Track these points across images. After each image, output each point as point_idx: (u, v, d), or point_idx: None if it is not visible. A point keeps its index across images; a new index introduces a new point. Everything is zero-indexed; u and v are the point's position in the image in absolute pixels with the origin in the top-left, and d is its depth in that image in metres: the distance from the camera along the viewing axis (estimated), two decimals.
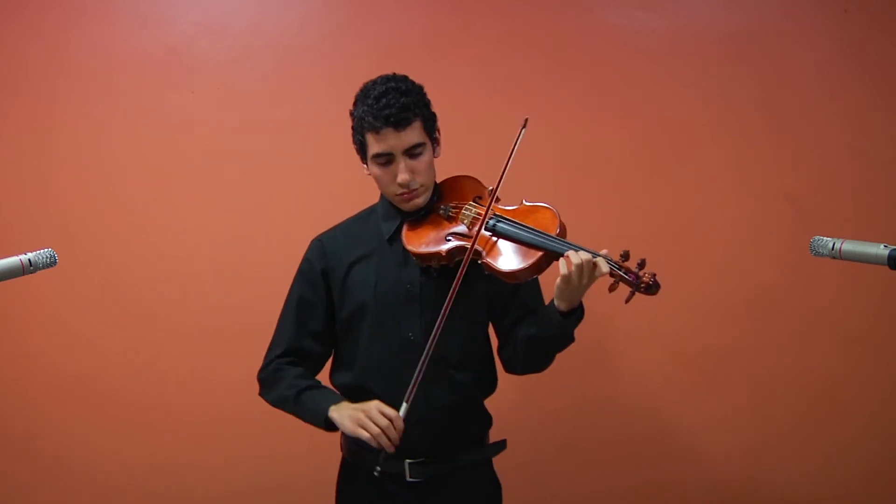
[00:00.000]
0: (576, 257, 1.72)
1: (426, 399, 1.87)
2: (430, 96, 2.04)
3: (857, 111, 2.83)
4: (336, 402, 1.89)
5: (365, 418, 1.78)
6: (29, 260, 1.57)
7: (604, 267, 1.72)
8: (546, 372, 2.21)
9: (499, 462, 2.15)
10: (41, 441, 2.83)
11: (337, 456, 2.12)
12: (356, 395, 1.94)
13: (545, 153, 2.80)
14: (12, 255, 1.56)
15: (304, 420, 1.96)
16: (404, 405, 1.78)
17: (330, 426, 1.88)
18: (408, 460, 1.92)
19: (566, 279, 1.73)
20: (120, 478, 2.83)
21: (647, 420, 2.87)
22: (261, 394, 2.07)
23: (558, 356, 2.01)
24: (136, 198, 2.83)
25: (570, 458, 2.85)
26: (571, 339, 1.90)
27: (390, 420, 1.76)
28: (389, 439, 1.76)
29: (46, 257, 1.60)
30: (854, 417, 2.84)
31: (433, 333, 1.78)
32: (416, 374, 1.77)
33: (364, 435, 1.77)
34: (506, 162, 1.89)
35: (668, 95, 2.85)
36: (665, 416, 2.88)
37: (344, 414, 1.84)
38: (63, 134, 2.82)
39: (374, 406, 1.80)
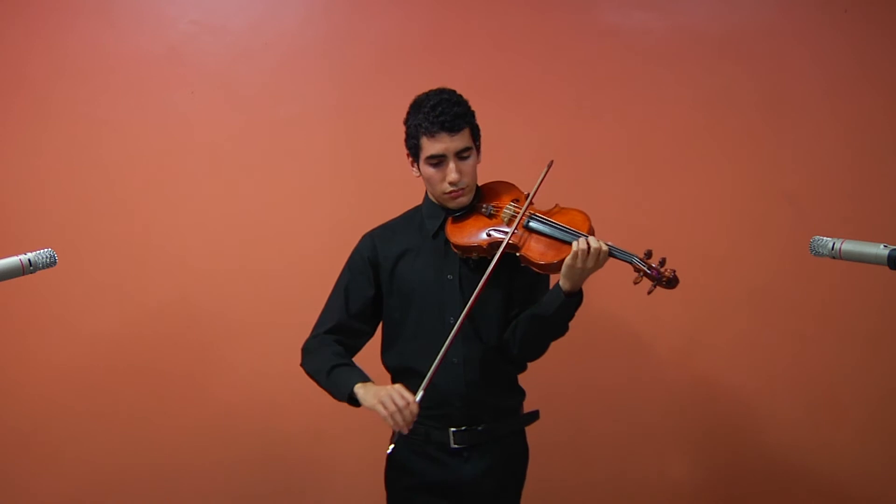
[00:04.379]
0: (585, 242, 1.94)
1: (466, 376, 2.10)
2: None
3: (856, 111, 2.83)
4: (363, 380, 2.04)
5: (385, 396, 1.93)
6: (29, 260, 1.57)
7: (604, 246, 1.95)
8: (544, 369, 2.24)
9: None
10: (40, 439, 2.83)
11: (335, 457, 2.13)
12: (404, 374, 2.14)
13: (545, 152, 2.78)
14: (12, 255, 1.56)
15: (332, 393, 2.09)
16: (420, 392, 1.94)
17: (353, 401, 2.03)
18: (451, 429, 2.11)
19: (574, 256, 1.94)
20: (119, 476, 2.83)
21: (646, 418, 2.88)
22: (301, 363, 2.20)
23: (560, 355, 2.04)
24: (137, 197, 2.83)
25: (569, 455, 2.86)
26: (565, 324, 2.07)
27: (407, 402, 1.91)
28: (403, 419, 1.91)
29: (46, 257, 1.60)
30: (854, 417, 2.84)
31: (461, 317, 1.99)
32: (433, 367, 1.95)
33: (381, 410, 1.92)
34: (539, 179, 2.11)
35: (668, 95, 2.86)
36: (664, 415, 2.88)
37: (368, 391, 1.99)
38: (63, 134, 2.82)
39: (397, 388, 1.95)
